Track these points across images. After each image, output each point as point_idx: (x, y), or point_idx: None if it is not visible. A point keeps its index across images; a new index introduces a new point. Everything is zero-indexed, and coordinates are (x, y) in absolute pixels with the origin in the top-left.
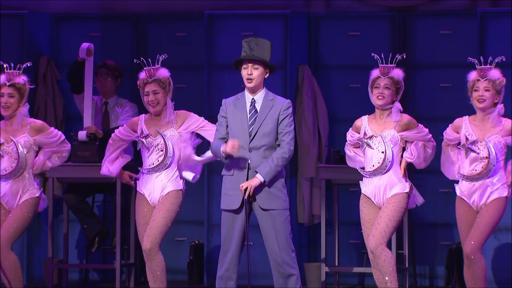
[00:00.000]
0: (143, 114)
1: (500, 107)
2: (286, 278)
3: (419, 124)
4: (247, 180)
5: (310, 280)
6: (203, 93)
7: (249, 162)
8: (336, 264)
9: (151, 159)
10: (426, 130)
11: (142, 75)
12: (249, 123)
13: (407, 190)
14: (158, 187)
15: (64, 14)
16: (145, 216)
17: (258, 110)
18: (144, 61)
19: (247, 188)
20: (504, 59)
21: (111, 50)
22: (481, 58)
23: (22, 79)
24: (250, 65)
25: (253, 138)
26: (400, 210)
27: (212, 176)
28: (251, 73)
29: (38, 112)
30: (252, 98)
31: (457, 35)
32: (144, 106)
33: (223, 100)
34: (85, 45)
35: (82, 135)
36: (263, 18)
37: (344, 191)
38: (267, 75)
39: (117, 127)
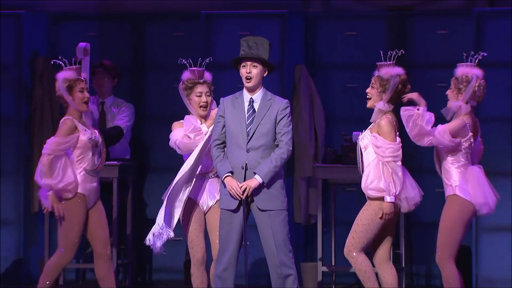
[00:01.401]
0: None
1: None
2: (284, 278)
3: (394, 142)
4: (244, 180)
5: (306, 280)
6: None
7: (247, 162)
8: (333, 263)
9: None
10: (390, 149)
11: (188, 75)
12: (247, 123)
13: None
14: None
15: (61, 13)
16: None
17: (256, 110)
18: (191, 61)
19: (245, 188)
20: (485, 54)
21: (109, 49)
22: (464, 54)
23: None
24: (248, 63)
25: (250, 138)
26: (369, 214)
27: None
28: (250, 71)
29: (35, 112)
30: (251, 98)
31: (454, 35)
32: (187, 108)
33: (221, 99)
34: (82, 44)
35: None
36: (261, 17)
37: (341, 190)
38: (266, 74)
39: (114, 127)
